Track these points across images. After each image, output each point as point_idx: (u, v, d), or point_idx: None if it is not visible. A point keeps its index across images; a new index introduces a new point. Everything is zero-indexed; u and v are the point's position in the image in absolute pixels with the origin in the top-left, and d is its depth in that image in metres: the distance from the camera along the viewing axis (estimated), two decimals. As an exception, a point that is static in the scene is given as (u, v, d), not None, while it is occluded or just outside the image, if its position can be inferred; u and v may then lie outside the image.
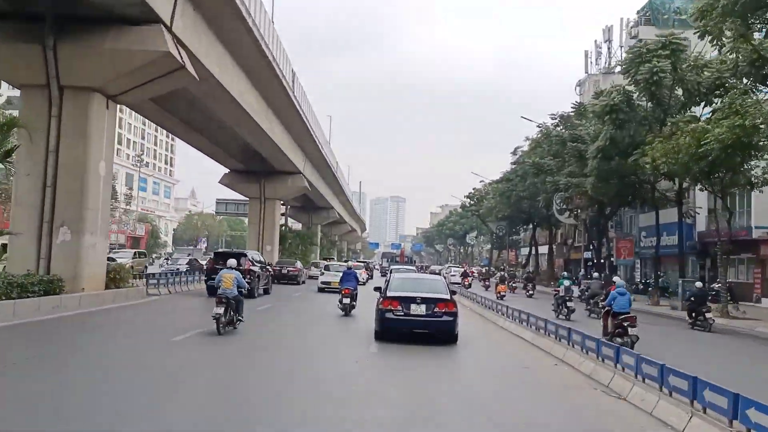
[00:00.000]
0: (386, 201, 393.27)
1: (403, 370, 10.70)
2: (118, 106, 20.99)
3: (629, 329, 13.36)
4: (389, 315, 13.07)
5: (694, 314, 20.22)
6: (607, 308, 14.54)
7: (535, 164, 42.42)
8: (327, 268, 32.61)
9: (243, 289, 13.59)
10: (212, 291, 21.83)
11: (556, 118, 41.19)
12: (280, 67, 28.78)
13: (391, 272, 19.81)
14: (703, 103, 28.44)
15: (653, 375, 8.26)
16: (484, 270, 55.54)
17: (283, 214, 56.48)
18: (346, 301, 18.57)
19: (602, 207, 37.99)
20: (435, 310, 13.05)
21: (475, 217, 76.28)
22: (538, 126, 43.48)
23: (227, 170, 46.79)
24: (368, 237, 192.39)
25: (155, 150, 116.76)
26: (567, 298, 21.91)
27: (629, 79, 29.18)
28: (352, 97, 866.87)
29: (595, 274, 27.25)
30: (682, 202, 31.62)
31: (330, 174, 56.34)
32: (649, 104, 29.74)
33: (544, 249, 59.63)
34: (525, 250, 69.61)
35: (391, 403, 8.03)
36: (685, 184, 29.82)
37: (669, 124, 26.73)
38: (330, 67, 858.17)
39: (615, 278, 17.67)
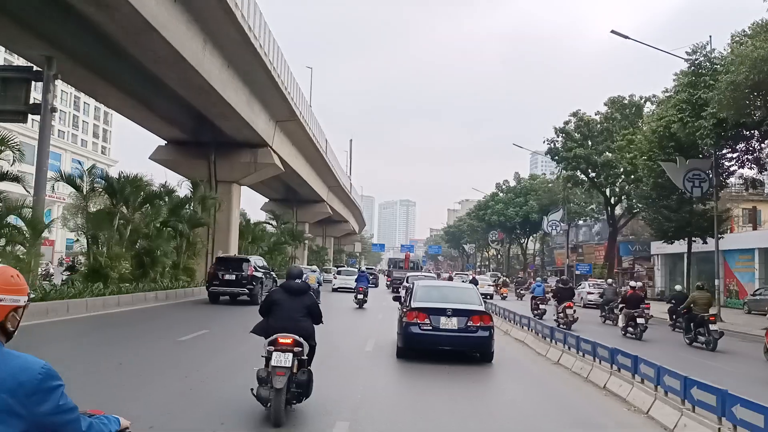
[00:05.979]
0: (395, 205, 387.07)
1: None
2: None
3: (540, 305, 23.59)
4: (414, 329, 11.28)
5: (674, 316, 21.01)
6: (531, 294, 26.00)
7: None
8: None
9: (320, 284, 25.29)
10: (215, 297, 22.88)
11: None
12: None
13: (407, 280, 21.86)
14: None
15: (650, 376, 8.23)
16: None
17: None
18: (360, 296, 24.76)
19: None
20: (469, 324, 11.30)
21: (561, 180, 47.85)
22: None
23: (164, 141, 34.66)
24: (372, 238, 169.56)
25: (89, 123, 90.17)
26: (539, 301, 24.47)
27: None
28: (353, 102, 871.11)
29: (609, 280, 30.87)
30: None
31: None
32: None
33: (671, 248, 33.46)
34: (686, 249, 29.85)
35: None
36: None
37: None
38: (334, 69, 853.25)
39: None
